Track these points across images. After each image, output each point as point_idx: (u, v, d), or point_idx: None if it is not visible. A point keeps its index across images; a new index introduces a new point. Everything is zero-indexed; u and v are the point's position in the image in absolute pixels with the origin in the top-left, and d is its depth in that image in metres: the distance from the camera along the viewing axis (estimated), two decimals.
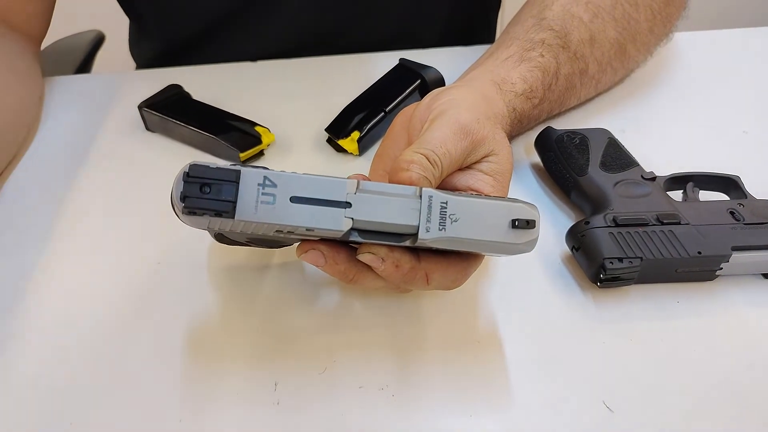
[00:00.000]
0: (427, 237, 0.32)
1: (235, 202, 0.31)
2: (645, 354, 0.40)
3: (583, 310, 0.43)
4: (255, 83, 0.65)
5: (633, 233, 0.43)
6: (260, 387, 0.39)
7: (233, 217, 0.31)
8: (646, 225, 0.43)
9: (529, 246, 0.34)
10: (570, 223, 0.46)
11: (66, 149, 0.58)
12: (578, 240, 0.44)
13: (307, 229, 0.31)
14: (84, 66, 0.92)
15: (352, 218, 0.32)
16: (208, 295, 0.44)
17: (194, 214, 0.31)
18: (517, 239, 0.34)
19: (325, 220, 0.32)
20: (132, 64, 0.89)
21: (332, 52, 0.69)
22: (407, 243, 0.33)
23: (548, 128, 0.53)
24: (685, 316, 0.42)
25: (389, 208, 0.32)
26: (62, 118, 0.62)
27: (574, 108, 0.59)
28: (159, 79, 0.64)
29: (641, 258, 0.41)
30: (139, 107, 0.58)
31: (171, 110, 0.58)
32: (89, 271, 0.46)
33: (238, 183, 0.31)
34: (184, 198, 0.30)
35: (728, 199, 0.47)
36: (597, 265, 0.42)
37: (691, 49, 0.68)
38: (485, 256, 0.40)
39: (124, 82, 0.67)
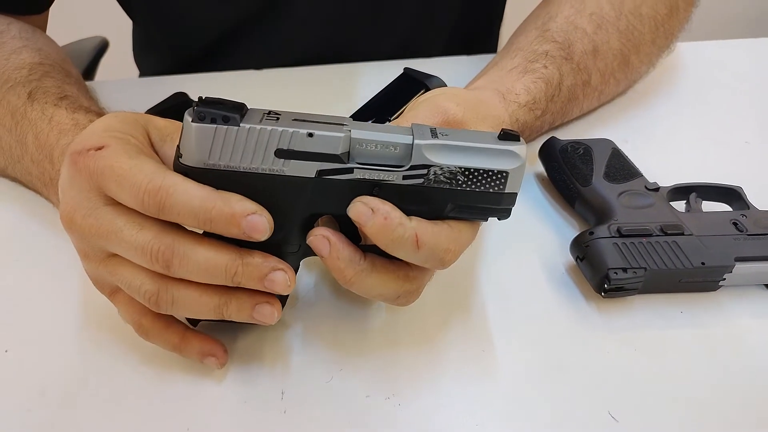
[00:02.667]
0: (423, 142, 0.34)
1: (243, 114, 0.33)
2: (649, 363, 0.41)
3: (587, 320, 0.43)
4: (259, 91, 0.66)
5: (637, 244, 0.43)
6: (267, 395, 0.39)
7: (239, 124, 0.33)
8: (650, 235, 0.44)
9: (519, 154, 0.35)
10: (574, 234, 0.46)
11: None
12: (582, 250, 0.44)
13: (308, 135, 0.33)
14: (88, 73, 0.93)
15: (350, 131, 0.34)
16: None
17: (203, 119, 0.32)
18: (507, 147, 0.35)
19: (325, 129, 0.34)
20: (135, 71, 0.90)
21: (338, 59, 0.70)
22: (405, 169, 0.34)
23: (552, 138, 0.53)
24: (689, 326, 0.43)
25: (383, 131, 0.35)
26: None
27: (577, 118, 0.59)
28: (164, 86, 0.64)
29: (645, 268, 0.42)
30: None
31: (176, 118, 0.58)
32: None
33: (246, 109, 0.34)
34: (197, 104, 0.33)
35: (731, 209, 0.48)
36: (601, 276, 0.42)
37: (694, 59, 0.68)
38: (478, 230, 0.39)
39: (130, 90, 0.68)
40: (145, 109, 0.59)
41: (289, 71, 0.68)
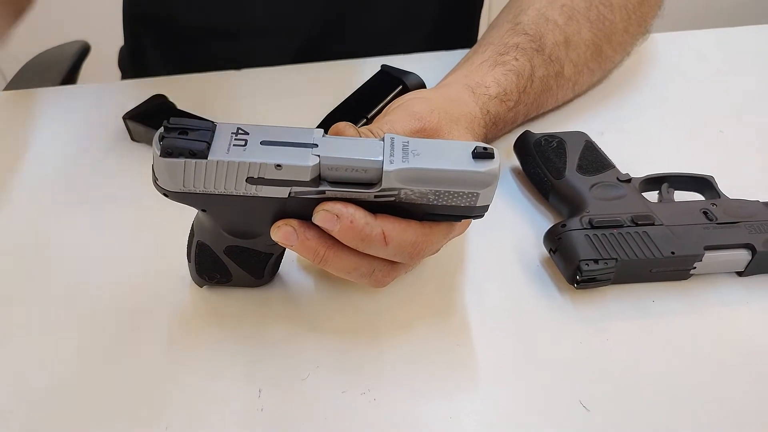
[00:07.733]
0: (392, 168, 0.34)
1: (209, 144, 0.33)
2: (621, 353, 0.41)
3: (560, 311, 0.44)
4: (239, 91, 0.66)
5: (608, 235, 0.44)
6: (244, 394, 0.39)
7: (206, 157, 0.33)
8: (621, 226, 0.44)
9: (492, 177, 0.34)
10: (548, 226, 0.46)
11: (50, 160, 0.58)
12: (555, 242, 0.44)
13: (276, 167, 0.33)
14: (70, 77, 0.92)
15: (319, 155, 0.34)
16: (194, 302, 0.45)
17: (170, 155, 0.33)
18: (480, 168, 0.34)
19: (293, 157, 0.33)
20: (117, 74, 0.90)
21: (322, 54, 0.70)
22: (375, 190, 0.34)
23: (526, 132, 0.54)
24: (661, 315, 0.43)
25: (354, 147, 0.34)
26: (47, 130, 0.62)
27: (553, 110, 0.60)
28: (143, 89, 0.64)
29: (616, 259, 0.42)
30: (124, 118, 0.59)
31: (156, 120, 0.58)
32: (77, 279, 0.47)
33: (214, 131, 0.34)
34: (162, 138, 0.33)
35: (702, 199, 0.48)
36: (573, 267, 0.42)
37: (668, 50, 0.69)
38: (455, 227, 0.40)
39: (109, 93, 0.68)
40: (124, 113, 0.59)
41: (268, 71, 0.68)
